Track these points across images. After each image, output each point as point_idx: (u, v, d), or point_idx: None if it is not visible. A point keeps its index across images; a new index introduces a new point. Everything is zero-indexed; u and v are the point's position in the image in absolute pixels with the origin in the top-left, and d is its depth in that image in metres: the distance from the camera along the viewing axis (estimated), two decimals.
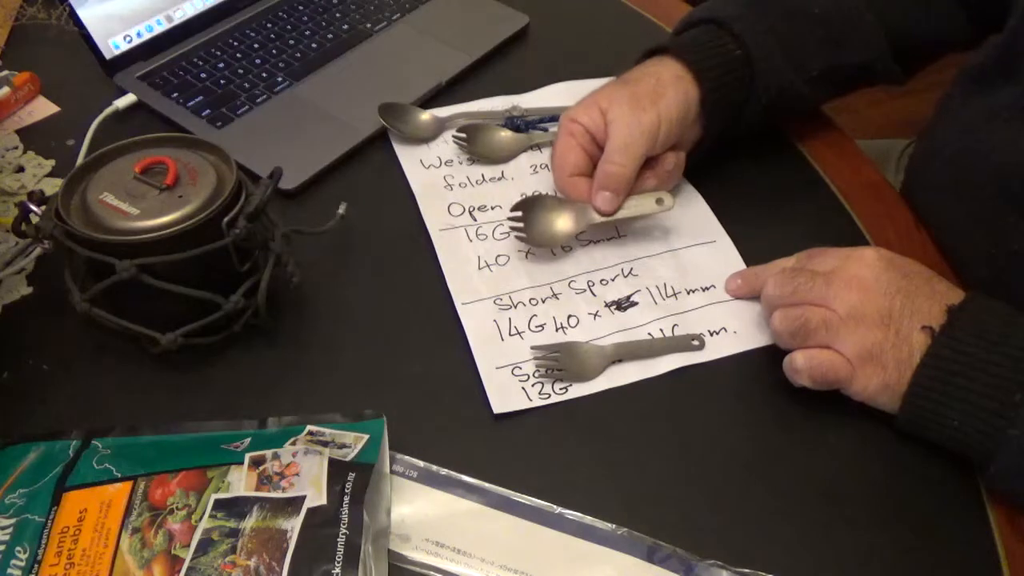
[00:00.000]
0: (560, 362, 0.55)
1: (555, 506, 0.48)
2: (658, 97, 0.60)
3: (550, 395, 0.54)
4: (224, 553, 0.42)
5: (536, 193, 0.67)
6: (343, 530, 0.42)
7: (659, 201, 0.61)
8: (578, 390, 0.54)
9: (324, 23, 0.82)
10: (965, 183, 0.63)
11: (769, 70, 0.63)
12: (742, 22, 0.63)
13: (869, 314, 0.50)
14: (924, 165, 0.70)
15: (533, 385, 0.54)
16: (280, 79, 0.76)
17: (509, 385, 0.54)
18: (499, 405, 0.53)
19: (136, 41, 0.76)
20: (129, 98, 0.73)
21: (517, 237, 0.61)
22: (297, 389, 0.54)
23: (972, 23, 0.67)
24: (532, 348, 0.56)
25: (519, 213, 0.61)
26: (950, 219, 0.64)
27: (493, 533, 0.47)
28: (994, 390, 0.47)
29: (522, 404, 0.53)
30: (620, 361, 0.56)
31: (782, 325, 0.52)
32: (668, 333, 0.58)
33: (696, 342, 0.57)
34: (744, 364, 0.56)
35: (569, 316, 0.58)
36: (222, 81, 0.75)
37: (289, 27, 0.81)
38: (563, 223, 0.62)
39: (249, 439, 0.48)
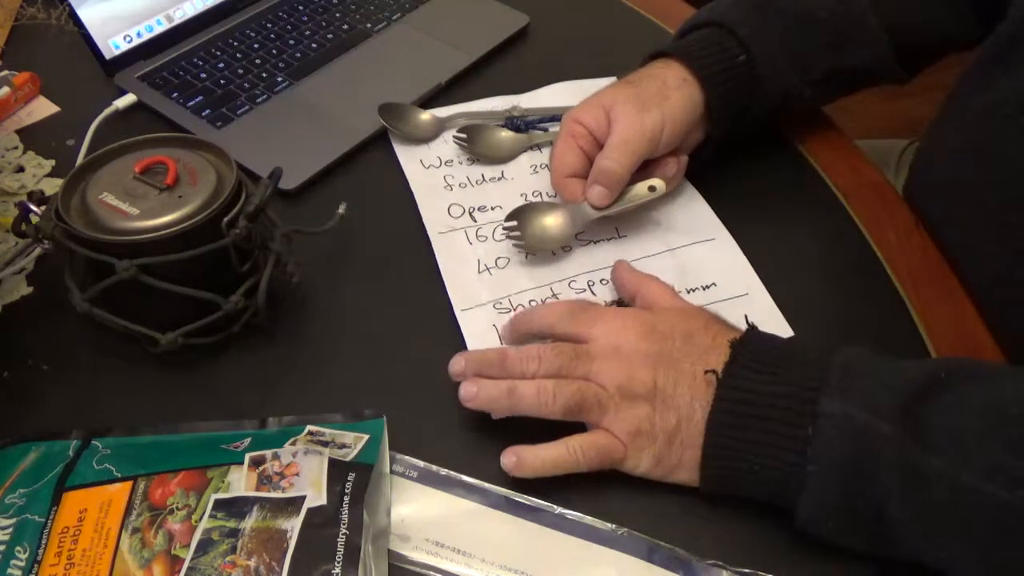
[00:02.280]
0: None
1: (555, 506, 0.48)
2: (663, 99, 0.60)
3: None
4: (224, 553, 0.42)
5: (536, 193, 0.67)
6: (343, 530, 0.42)
7: (651, 188, 0.61)
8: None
9: (324, 23, 0.82)
10: (969, 182, 0.63)
11: (773, 75, 0.63)
12: (747, 27, 0.63)
13: (634, 388, 0.48)
14: (927, 164, 0.70)
15: None
16: (280, 79, 0.76)
17: None
18: None
19: (136, 41, 0.76)
20: (129, 98, 0.73)
21: (515, 245, 0.61)
22: (297, 389, 0.54)
23: (978, 21, 0.67)
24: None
25: (514, 223, 0.61)
26: (954, 218, 0.64)
27: (493, 533, 0.47)
28: (786, 425, 0.45)
29: None
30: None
31: (555, 401, 0.48)
32: None
33: None
34: None
35: None
36: (222, 81, 0.75)
37: (289, 27, 0.81)
38: (558, 226, 0.62)
39: (249, 439, 0.48)
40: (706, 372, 0.47)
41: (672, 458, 0.48)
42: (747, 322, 0.50)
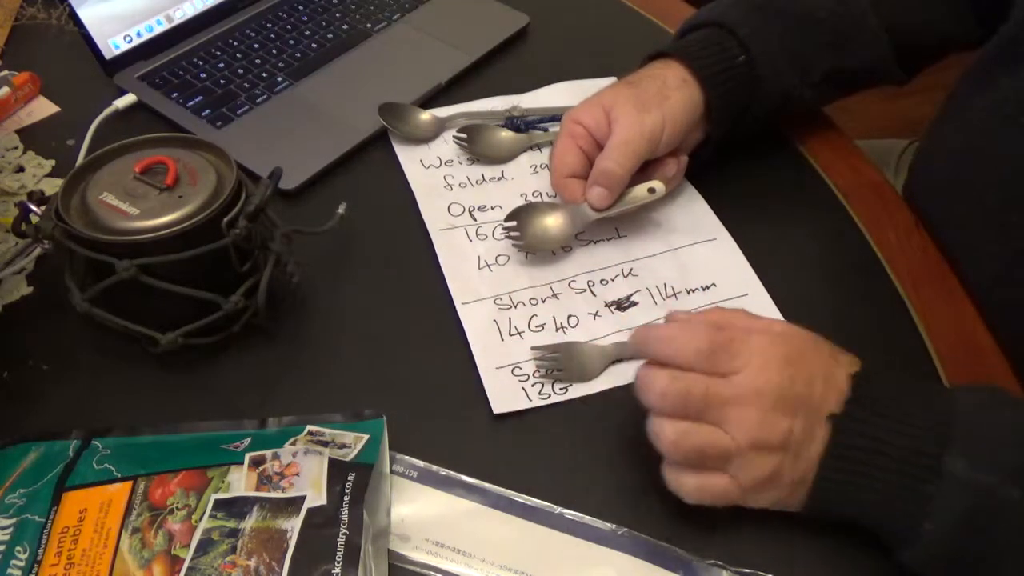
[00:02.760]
0: (560, 362, 0.55)
1: (555, 506, 0.48)
2: (663, 100, 0.60)
3: (550, 395, 0.54)
4: (224, 553, 0.42)
5: (536, 193, 0.67)
6: (343, 530, 0.42)
7: (651, 190, 0.61)
8: (578, 390, 0.54)
9: (324, 23, 0.82)
10: (969, 182, 0.63)
11: (773, 75, 0.63)
12: (747, 27, 0.63)
13: (768, 440, 0.45)
14: (927, 164, 0.70)
15: (533, 385, 0.54)
16: (280, 79, 0.76)
17: (509, 385, 0.54)
18: (499, 405, 0.53)
19: (136, 41, 0.76)
20: (129, 98, 0.73)
21: (514, 245, 0.61)
22: (297, 389, 0.54)
23: (978, 22, 0.67)
24: (532, 348, 0.56)
25: (514, 223, 0.61)
26: (954, 218, 0.64)
27: (493, 533, 0.47)
28: (904, 476, 0.44)
29: (522, 404, 0.53)
30: (620, 361, 0.56)
31: (676, 450, 0.46)
32: None
33: None
34: None
35: (569, 316, 0.58)
36: (222, 81, 0.75)
37: (289, 27, 0.81)
38: (557, 226, 0.62)
39: (249, 439, 0.48)
40: (828, 416, 0.45)
41: (790, 499, 0.47)
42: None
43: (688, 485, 0.46)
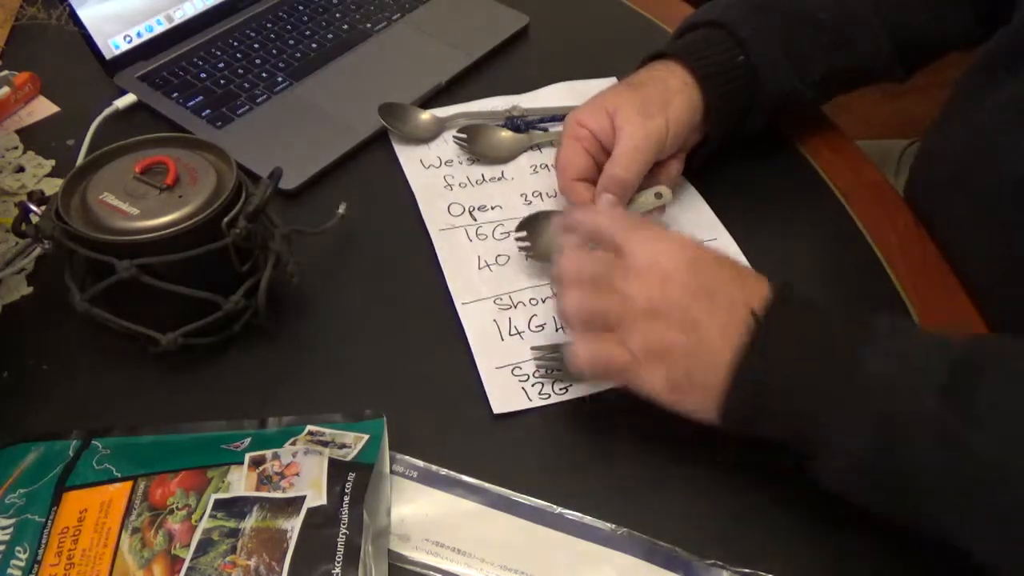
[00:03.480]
0: (560, 362, 0.55)
1: (555, 506, 0.48)
2: (666, 104, 0.60)
3: (550, 395, 0.54)
4: (224, 553, 0.42)
5: (536, 193, 0.67)
6: (343, 530, 0.42)
7: (658, 195, 0.61)
8: (578, 390, 0.54)
9: (324, 23, 0.82)
10: (971, 183, 0.63)
11: (773, 77, 0.63)
12: (747, 28, 0.63)
13: (663, 307, 0.46)
14: (929, 164, 0.70)
15: (533, 385, 0.54)
16: (280, 79, 0.76)
17: (509, 385, 0.54)
18: (499, 405, 0.53)
19: (136, 41, 0.76)
20: (129, 98, 0.73)
21: (528, 257, 0.61)
22: (297, 389, 0.54)
23: (979, 21, 0.67)
24: (532, 348, 0.56)
25: (524, 233, 0.61)
26: (955, 218, 0.64)
27: (493, 533, 0.47)
28: (821, 373, 0.44)
29: (522, 404, 0.53)
30: None
31: (573, 309, 0.48)
32: None
33: None
34: None
35: None
36: (222, 81, 0.75)
37: (289, 27, 0.81)
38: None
39: (249, 439, 0.48)
40: (746, 308, 0.45)
41: (688, 385, 0.47)
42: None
43: (581, 351, 0.48)
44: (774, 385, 0.45)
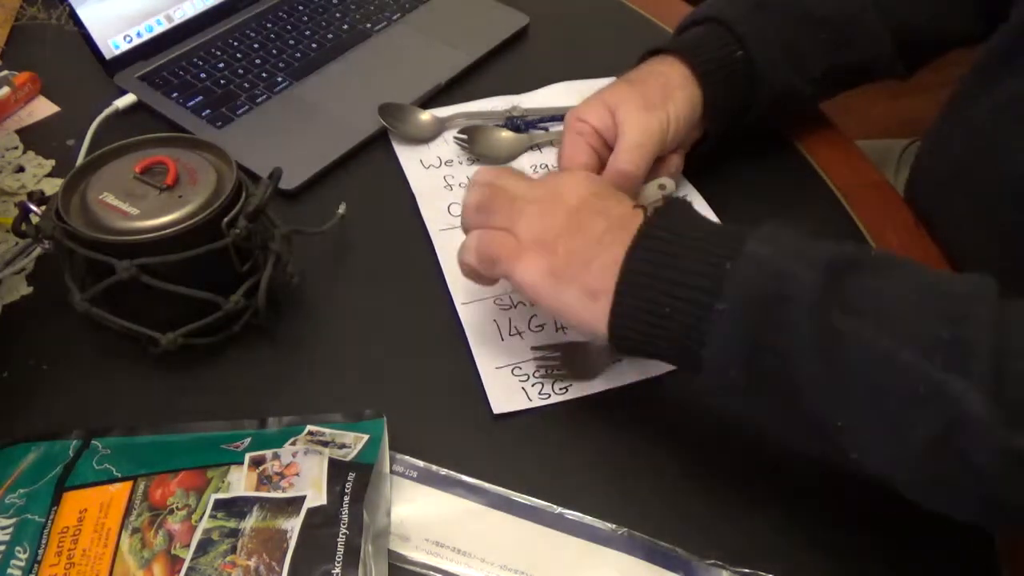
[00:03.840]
0: (560, 362, 0.55)
1: (555, 506, 0.48)
2: (667, 98, 0.60)
3: (550, 395, 0.54)
4: (224, 553, 0.42)
5: None
6: (343, 530, 0.42)
7: (661, 187, 0.61)
8: (578, 390, 0.54)
9: (324, 23, 0.82)
10: (971, 182, 0.63)
11: (772, 73, 0.63)
12: (746, 24, 0.63)
13: (559, 209, 0.48)
14: (929, 164, 0.70)
15: (533, 385, 0.54)
16: (280, 79, 0.76)
17: (509, 385, 0.54)
18: (499, 405, 0.53)
19: (136, 41, 0.76)
20: (129, 98, 0.73)
21: None
22: (297, 389, 0.54)
23: (981, 17, 0.67)
24: (532, 348, 0.56)
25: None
26: (955, 218, 0.64)
27: (493, 533, 0.47)
28: (707, 265, 0.43)
29: (522, 404, 0.53)
30: (620, 361, 0.56)
31: (471, 205, 0.50)
32: None
33: None
34: None
35: None
36: (222, 81, 0.75)
37: (289, 27, 0.81)
38: None
39: (249, 439, 0.48)
40: (635, 207, 0.47)
41: (568, 275, 0.46)
42: None
43: (471, 242, 0.50)
44: (656, 286, 0.44)
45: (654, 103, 0.60)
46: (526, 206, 0.49)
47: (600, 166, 0.61)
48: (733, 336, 0.42)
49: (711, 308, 0.42)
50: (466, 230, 0.52)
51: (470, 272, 0.52)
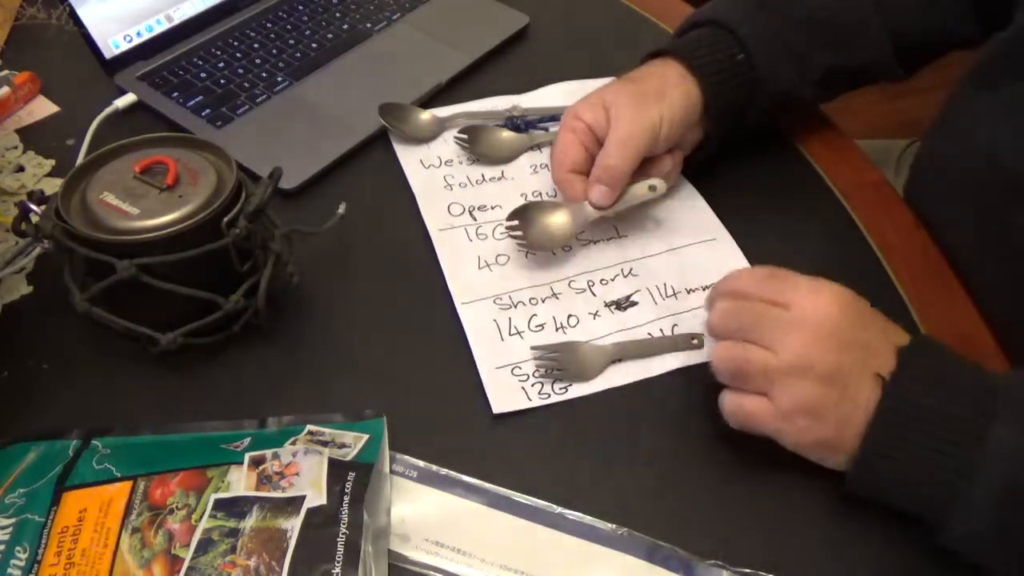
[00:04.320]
0: (560, 362, 0.55)
1: (555, 506, 0.48)
2: (662, 96, 0.60)
3: (550, 395, 0.54)
4: (224, 553, 0.42)
5: (536, 193, 0.67)
6: (343, 530, 0.42)
7: (651, 188, 0.61)
8: (578, 390, 0.54)
9: (324, 23, 0.82)
10: (972, 183, 0.63)
11: (772, 75, 0.63)
12: (746, 26, 0.63)
13: (815, 367, 0.46)
14: (929, 164, 0.70)
15: (533, 385, 0.54)
16: (280, 79, 0.76)
17: (509, 385, 0.54)
18: (499, 405, 0.53)
19: (136, 41, 0.76)
20: (129, 98, 0.73)
21: (519, 245, 0.61)
22: (297, 389, 0.54)
23: (979, 20, 0.67)
24: (532, 348, 0.56)
25: (516, 222, 0.61)
26: (955, 218, 0.64)
27: (493, 533, 0.47)
28: (951, 445, 0.44)
29: (522, 404, 0.53)
30: (620, 361, 0.56)
31: (722, 364, 0.48)
32: (668, 333, 0.58)
33: (696, 341, 0.56)
34: None
35: (569, 316, 0.58)
36: (222, 81, 0.75)
37: (289, 27, 0.81)
38: (560, 224, 0.61)
39: (249, 439, 0.48)
40: (875, 375, 0.46)
41: (833, 445, 0.47)
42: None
43: (727, 403, 0.48)
44: (900, 460, 0.45)
45: (647, 101, 0.60)
46: (778, 374, 0.46)
47: (591, 163, 0.61)
48: (982, 515, 0.44)
49: (955, 490, 0.44)
50: (719, 379, 0.49)
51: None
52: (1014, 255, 0.59)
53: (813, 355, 0.46)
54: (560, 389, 0.54)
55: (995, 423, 0.43)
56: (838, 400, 0.46)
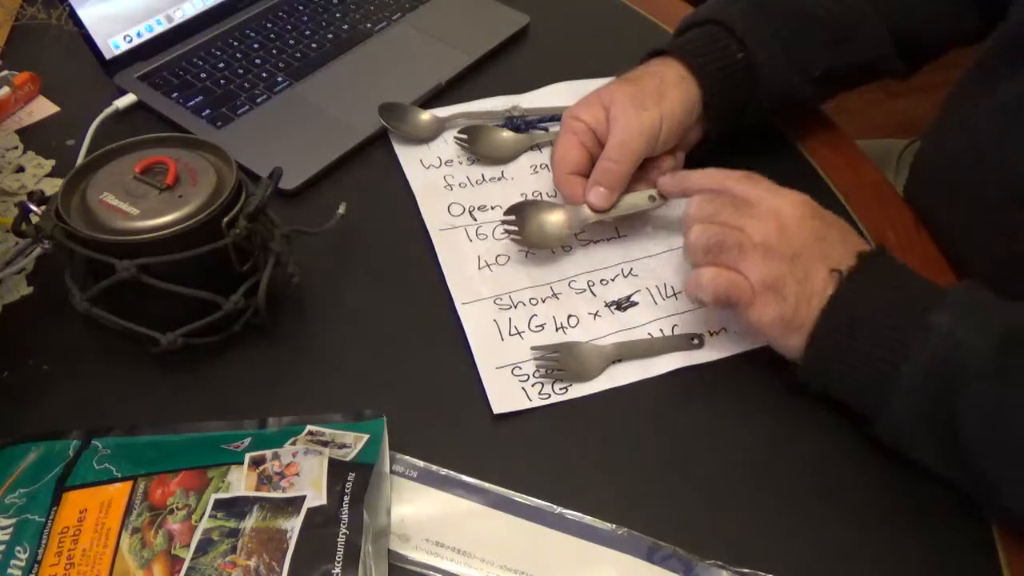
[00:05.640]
0: (560, 362, 0.55)
1: (555, 506, 0.48)
2: (661, 97, 0.60)
3: (550, 395, 0.54)
4: (224, 553, 0.42)
5: (536, 193, 0.67)
6: (343, 530, 0.42)
7: (651, 198, 0.61)
8: (578, 390, 0.54)
9: (324, 23, 0.82)
10: (971, 182, 0.63)
11: (772, 73, 0.63)
12: (745, 24, 0.63)
13: (781, 248, 0.51)
14: (929, 164, 0.70)
15: (533, 385, 0.54)
16: (280, 79, 0.76)
17: (509, 385, 0.54)
18: (499, 405, 0.53)
19: (136, 41, 0.76)
20: (129, 98, 0.73)
21: (513, 239, 0.61)
22: (297, 389, 0.54)
23: (980, 17, 0.67)
24: (532, 348, 0.56)
25: (512, 217, 0.61)
26: (955, 219, 0.64)
27: (493, 533, 0.47)
28: (894, 330, 0.48)
29: (522, 404, 0.53)
30: (620, 361, 0.56)
31: (697, 239, 0.53)
32: (668, 333, 0.58)
33: (696, 341, 0.57)
34: (743, 364, 0.56)
35: (569, 316, 0.58)
36: (222, 81, 0.75)
37: (289, 27, 0.81)
38: (557, 224, 0.62)
39: (249, 439, 0.48)
40: (831, 270, 0.50)
41: (792, 325, 0.50)
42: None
43: (705, 279, 0.52)
44: (844, 347, 0.49)
45: (647, 102, 0.60)
46: (752, 249, 0.51)
47: (591, 165, 0.61)
48: (912, 397, 0.47)
49: (892, 373, 0.47)
50: (694, 265, 0.54)
51: (697, 301, 0.57)
52: (1015, 255, 0.59)
53: (779, 238, 0.51)
54: (560, 389, 0.54)
55: (931, 312, 0.47)
56: (800, 281, 0.50)
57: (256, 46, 0.79)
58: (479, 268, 0.61)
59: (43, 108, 0.75)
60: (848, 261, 0.50)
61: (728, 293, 0.51)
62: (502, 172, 0.69)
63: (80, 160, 0.66)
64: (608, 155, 0.60)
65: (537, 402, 0.54)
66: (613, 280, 0.61)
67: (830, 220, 0.53)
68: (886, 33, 0.66)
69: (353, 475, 0.45)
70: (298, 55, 0.78)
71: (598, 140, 0.61)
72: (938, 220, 0.65)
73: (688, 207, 0.55)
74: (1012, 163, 0.59)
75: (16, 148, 0.70)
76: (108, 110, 0.71)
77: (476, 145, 0.70)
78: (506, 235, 0.62)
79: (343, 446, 0.47)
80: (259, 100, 0.74)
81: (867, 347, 0.48)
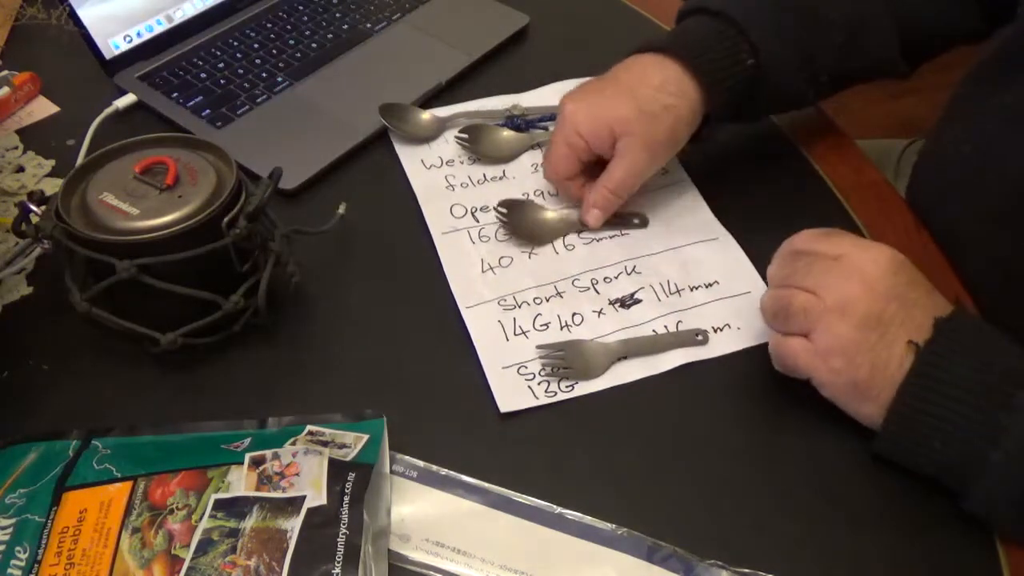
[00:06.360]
0: (565, 360, 0.55)
1: (555, 506, 0.48)
2: (675, 144, 0.62)
3: (556, 393, 0.54)
4: (224, 553, 0.42)
5: (537, 192, 0.67)
6: (343, 530, 0.42)
7: (638, 220, 0.64)
8: (583, 387, 0.54)
9: (324, 23, 0.82)
10: (974, 185, 0.63)
11: (781, 80, 0.63)
12: (759, 30, 0.61)
13: (858, 309, 0.48)
14: (931, 165, 0.70)
15: (539, 383, 0.54)
16: (280, 79, 0.76)
17: (515, 384, 0.54)
18: (506, 404, 0.53)
19: (136, 41, 0.76)
20: (129, 98, 0.73)
21: (503, 228, 0.63)
22: (297, 389, 0.54)
23: (985, 17, 0.67)
24: (537, 347, 0.56)
25: (505, 210, 0.63)
26: (956, 220, 0.64)
27: (493, 533, 0.47)
28: (979, 411, 0.45)
29: (529, 402, 0.53)
30: (625, 358, 0.56)
31: (765, 307, 0.51)
32: (672, 329, 0.58)
33: (700, 337, 0.57)
34: (748, 360, 0.56)
35: (573, 314, 0.58)
36: (222, 81, 0.75)
37: (289, 27, 0.81)
38: (548, 227, 0.64)
39: (249, 439, 0.48)
40: (909, 342, 0.47)
41: (868, 394, 0.48)
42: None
43: (771, 343, 0.51)
44: (927, 424, 0.47)
45: (659, 149, 0.61)
46: (821, 313, 0.48)
47: (583, 169, 0.63)
48: (1005, 483, 0.45)
49: (980, 457, 0.45)
50: (769, 326, 0.52)
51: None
52: (1015, 256, 0.59)
53: (854, 299, 0.48)
54: (566, 387, 0.54)
55: (1021, 391, 0.45)
56: (874, 345, 0.47)
57: (256, 46, 0.79)
58: (482, 271, 0.61)
59: (43, 108, 0.75)
60: (926, 331, 0.47)
61: (783, 363, 0.50)
62: (503, 171, 0.69)
63: (80, 160, 0.66)
64: (610, 186, 0.61)
65: (544, 400, 0.53)
66: (616, 278, 0.61)
67: (915, 278, 0.50)
68: (895, 34, 0.65)
69: (353, 475, 0.45)
70: (298, 55, 0.78)
71: (595, 155, 0.62)
72: (939, 220, 0.65)
73: (769, 269, 0.53)
74: (1015, 164, 0.59)
75: (16, 148, 0.70)
76: (108, 110, 0.71)
77: (477, 144, 0.70)
78: (510, 236, 0.62)
79: (343, 446, 0.47)
80: (259, 100, 0.74)
81: (952, 429, 0.46)
